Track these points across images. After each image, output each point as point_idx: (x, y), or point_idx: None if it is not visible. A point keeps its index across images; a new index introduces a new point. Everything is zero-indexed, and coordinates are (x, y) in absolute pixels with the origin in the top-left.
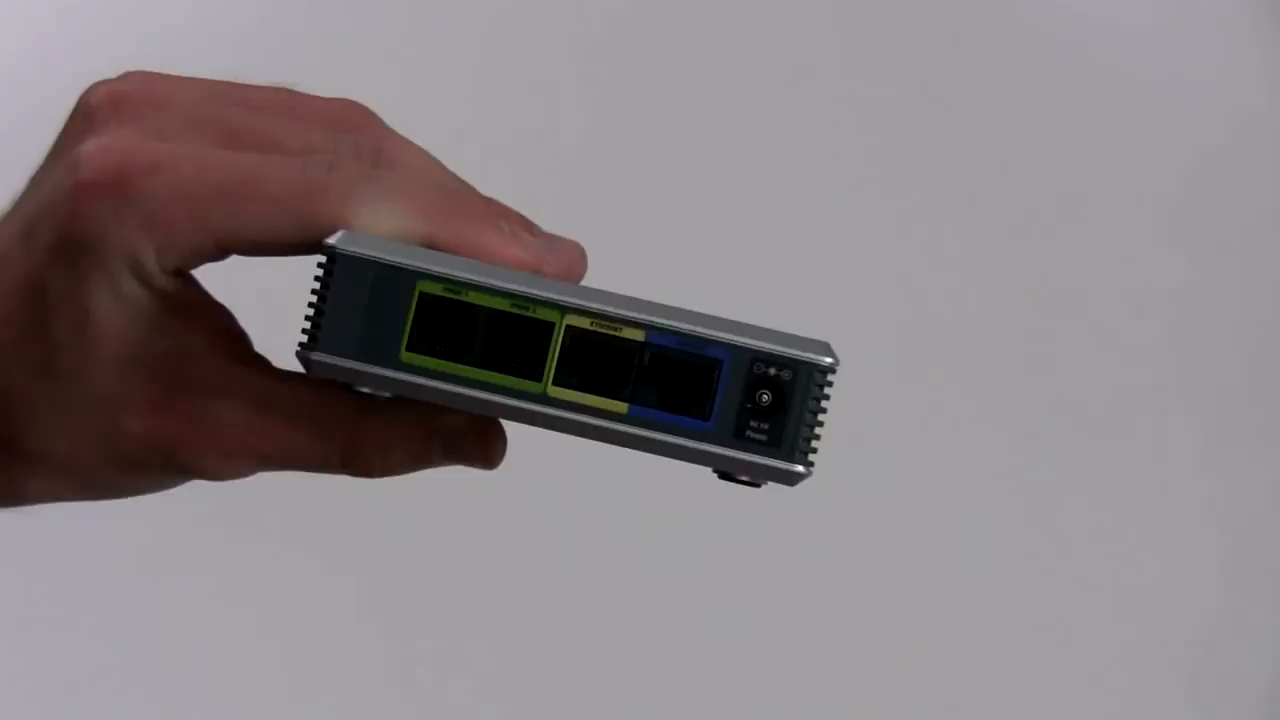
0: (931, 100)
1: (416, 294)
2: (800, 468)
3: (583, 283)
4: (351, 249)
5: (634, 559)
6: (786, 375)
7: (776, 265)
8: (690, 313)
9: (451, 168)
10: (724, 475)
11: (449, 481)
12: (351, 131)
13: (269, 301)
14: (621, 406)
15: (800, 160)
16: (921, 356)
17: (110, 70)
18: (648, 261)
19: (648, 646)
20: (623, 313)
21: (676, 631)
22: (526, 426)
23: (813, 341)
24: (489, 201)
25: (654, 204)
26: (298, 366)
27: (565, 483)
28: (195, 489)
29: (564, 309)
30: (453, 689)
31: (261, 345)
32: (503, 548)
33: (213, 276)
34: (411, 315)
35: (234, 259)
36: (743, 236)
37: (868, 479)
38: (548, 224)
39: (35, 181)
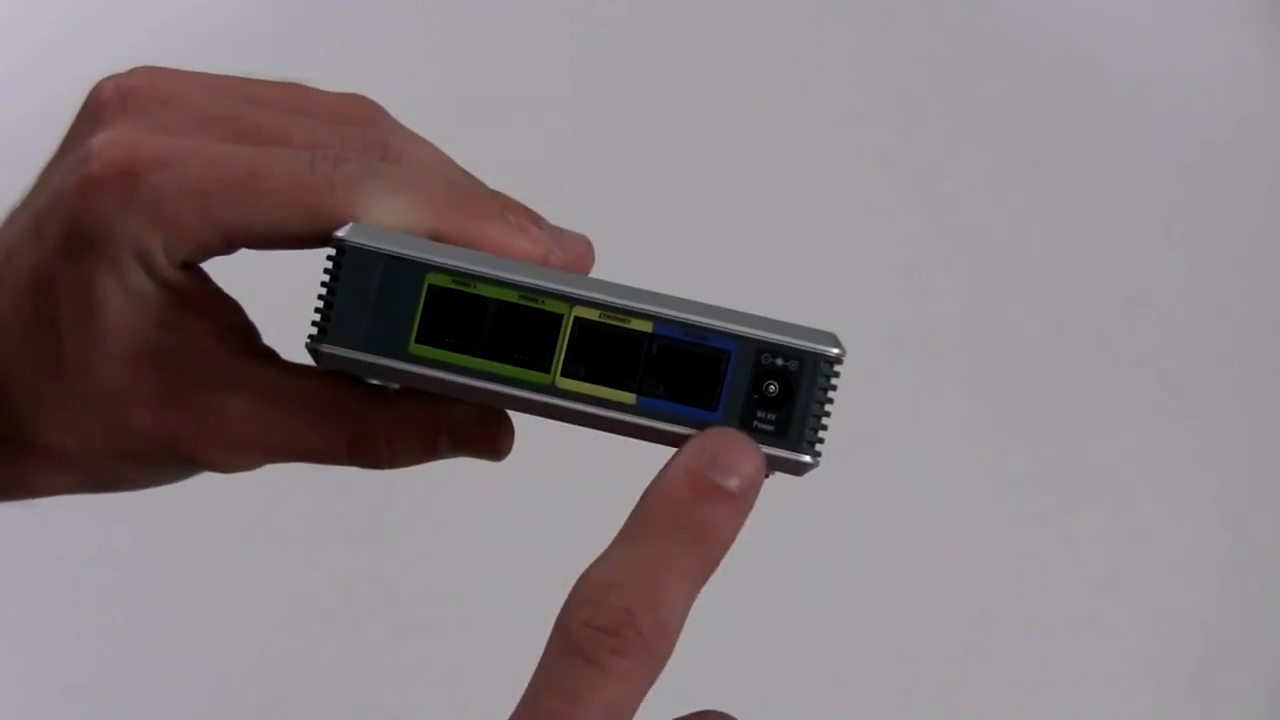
0: (932, 97)
1: (425, 286)
2: (807, 458)
3: (590, 275)
4: (360, 241)
5: None
6: (793, 366)
7: (784, 257)
8: (697, 304)
9: (458, 162)
10: None
11: (456, 473)
12: (358, 126)
13: (280, 294)
14: (629, 397)
15: (805, 154)
16: (924, 350)
17: (115, 67)
18: (655, 254)
19: None
20: (630, 304)
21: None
22: (535, 418)
23: (819, 332)
24: (495, 195)
25: (661, 197)
26: (307, 359)
27: (573, 474)
28: (202, 482)
29: (572, 301)
30: (460, 682)
31: (271, 338)
32: (510, 539)
33: (223, 270)
34: (420, 307)
35: (245, 252)
36: (750, 229)
37: (874, 470)
38: (555, 217)
39: (44, 176)
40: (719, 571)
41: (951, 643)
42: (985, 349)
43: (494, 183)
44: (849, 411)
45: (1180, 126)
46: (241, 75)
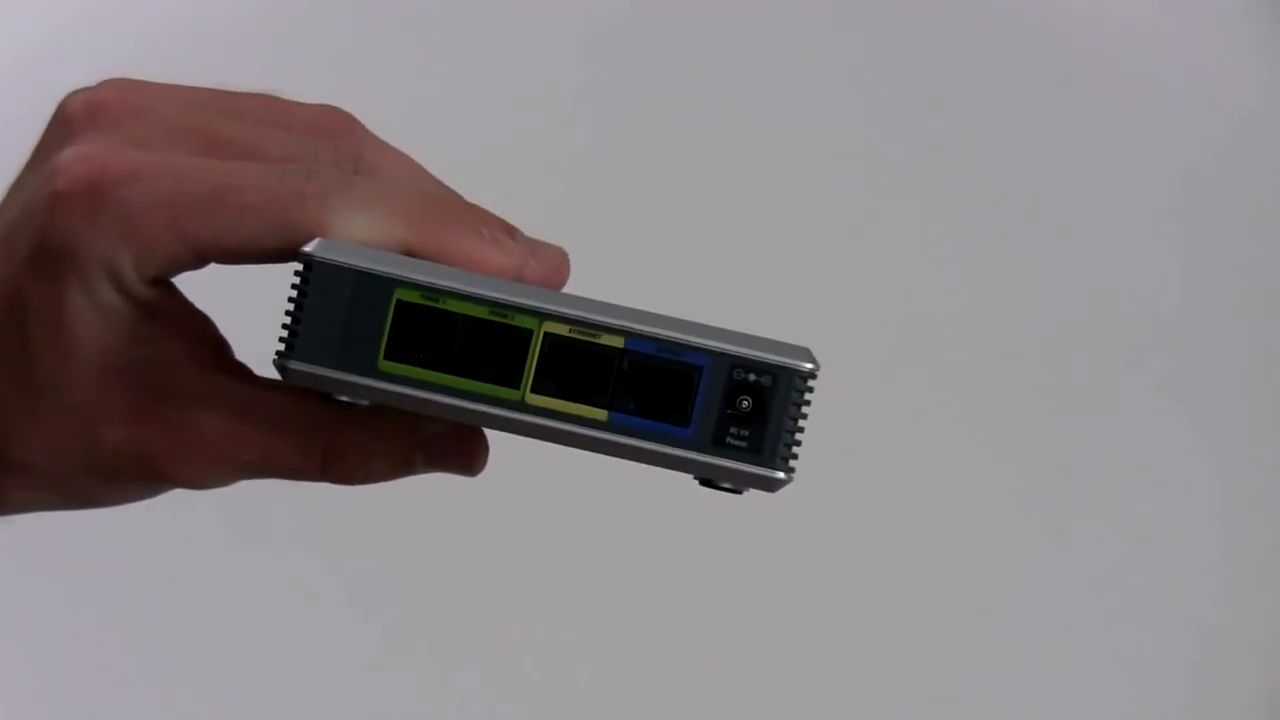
0: (929, 98)
1: (394, 301)
2: (781, 474)
3: (567, 289)
4: (328, 257)
5: (616, 566)
6: (766, 381)
7: (759, 270)
8: (669, 319)
9: (436, 174)
10: (705, 482)
11: (431, 489)
12: (332, 138)
13: (253, 309)
14: (601, 414)
15: (799, 160)
16: (915, 358)
17: (114, 68)
18: (629, 267)
19: (630, 654)
20: (601, 319)
21: (659, 640)
22: (508, 434)
23: (793, 347)
24: (470, 207)
25: (636, 209)
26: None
27: (546, 490)
28: (187, 494)
29: (542, 316)
30: (441, 691)
31: (244, 353)
32: (485, 555)
33: (195, 284)
34: (389, 323)
35: (215, 266)
36: (724, 241)
37: (874, 470)
38: (530, 230)
39: (14, 190)
40: (703, 586)
41: (951, 643)
42: (986, 350)
43: (471, 194)
44: (850, 410)
45: (1180, 127)
46: (216, 87)
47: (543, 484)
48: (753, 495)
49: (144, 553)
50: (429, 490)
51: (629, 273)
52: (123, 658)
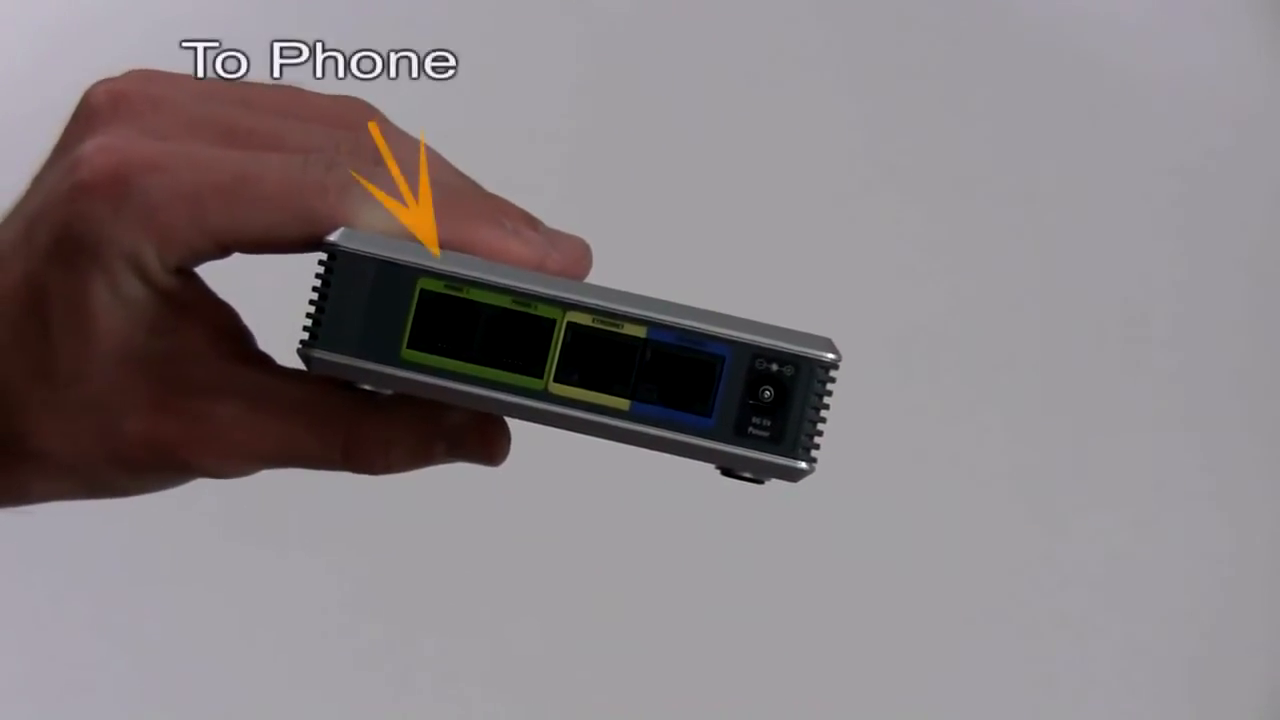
0: (931, 99)
1: (417, 291)
2: (803, 464)
3: (588, 279)
4: (352, 246)
5: (637, 555)
6: (788, 371)
7: (781, 261)
8: (692, 309)
9: (456, 164)
10: (727, 471)
11: (453, 478)
12: (352, 129)
13: (277, 299)
14: (623, 403)
15: (803, 157)
16: (923, 354)
17: (115, 66)
18: (651, 258)
19: (651, 644)
20: (624, 309)
21: (680, 628)
22: (529, 423)
23: (815, 337)
24: (491, 198)
25: (657, 201)
26: (302, 364)
27: (568, 480)
28: (198, 487)
29: (565, 306)
30: (454, 687)
31: (268, 342)
32: (507, 545)
33: (220, 274)
34: (412, 312)
35: (240, 256)
36: (746, 233)
37: (870, 476)
38: (552, 220)
39: (37, 181)
40: (724, 575)
41: (952, 643)
42: (986, 352)
43: (491, 185)
44: (851, 411)
45: (1180, 127)
46: (235, 78)
47: (564, 474)
48: (774, 485)
49: (143, 551)
50: (439, 483)
51: (642, 266)
52: (121, 657)
